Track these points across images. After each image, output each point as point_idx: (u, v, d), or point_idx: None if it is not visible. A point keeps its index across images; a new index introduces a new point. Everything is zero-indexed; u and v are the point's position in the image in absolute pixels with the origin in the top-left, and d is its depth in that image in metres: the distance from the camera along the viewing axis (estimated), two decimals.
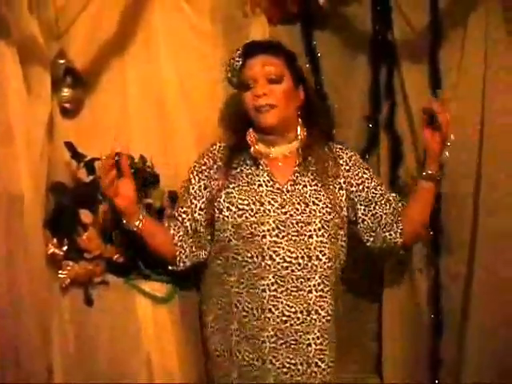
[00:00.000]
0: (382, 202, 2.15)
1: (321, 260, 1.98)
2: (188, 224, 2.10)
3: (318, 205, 2.01)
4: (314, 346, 1.98)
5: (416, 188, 2.18)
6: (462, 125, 2.48)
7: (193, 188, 2.11)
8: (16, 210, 2.09)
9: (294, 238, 1.97)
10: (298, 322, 1.97)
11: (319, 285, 1.98)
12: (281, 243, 1.96)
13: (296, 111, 2.09)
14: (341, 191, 2.09)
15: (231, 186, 2.04)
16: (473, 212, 2.48)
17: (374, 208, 2.13)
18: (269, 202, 1.99)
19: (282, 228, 1.97)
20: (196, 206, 2.10)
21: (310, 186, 2.04)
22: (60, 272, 2.22)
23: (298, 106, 2.09)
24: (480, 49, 2.47)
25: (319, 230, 1.99)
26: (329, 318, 2.00)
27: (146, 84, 2.42)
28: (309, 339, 1.98)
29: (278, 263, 1.96)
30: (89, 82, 2.36)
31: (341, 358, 2.60)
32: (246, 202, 2.00)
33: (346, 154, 2.16)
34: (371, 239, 2.16)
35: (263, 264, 1.96)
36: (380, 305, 2.65)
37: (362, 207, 2.13)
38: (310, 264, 1.97)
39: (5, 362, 2.05)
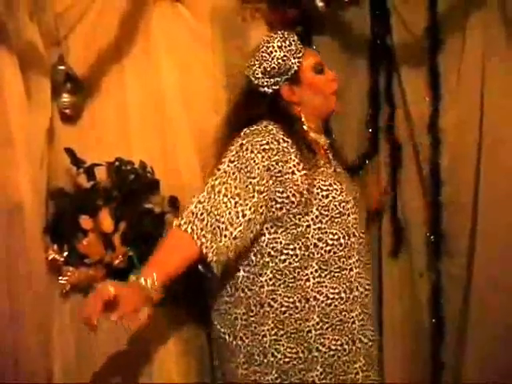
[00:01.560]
0: None
1: (363, 237, 2.03)
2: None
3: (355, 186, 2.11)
4: (357, 322, 1.97)
5: None
6: (461, 130, 2.49)
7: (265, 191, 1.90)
8: (16, 216, 2.09)
9: (357, 213, 2.01)
10: (341, 302, 1.95)
11: (357, 261, 1.98)
12: (356, 219, 2.00)
13: None
14: None
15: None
16: (472, 217, 2.49)
17: None
18: (339, 182, 1.99)
19: (356, 204, 2.01)
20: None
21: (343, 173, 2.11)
22: (60, 278, 2.22)
23: None
24: (479, 53, 2.48)
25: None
26: (367, 292, 2.01)
27: (145, 89, 2.42)
28: (352, 317, 1.96)
29: (357, 239, 1.98)
30: (89, 87, 2.37)
31: None
32: (326, 183, 1.96)
33: None
34: None
35: (349, 242, 1.96)
36: (380, 310, 2.65)
37: None
38: (349, 242, 1.97)
39: (5, 368, 2.05)
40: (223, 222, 1.80)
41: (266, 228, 1.92)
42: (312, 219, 1.92)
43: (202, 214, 1.81)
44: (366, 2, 2.56)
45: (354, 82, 2.64)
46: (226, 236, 1.80)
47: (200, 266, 1.84)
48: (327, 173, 1.98)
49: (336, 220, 1.94)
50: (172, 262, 1.79)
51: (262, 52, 2.04)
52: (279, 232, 1.93)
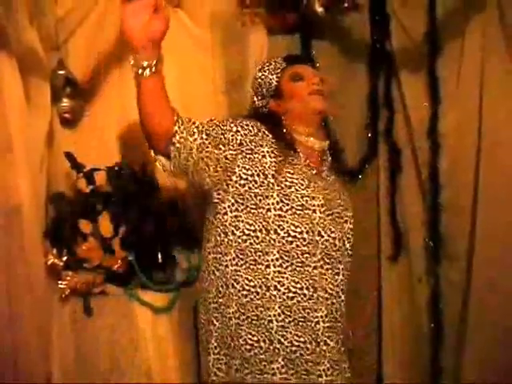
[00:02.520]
0: None
1: (347, 247, 2.02)
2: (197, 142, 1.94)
3: (346, 195, 2.10)
4: (322, 323, 1.95)
5: None
6: (460, 134, 2.50)
7: (226, 130, 1.96)
8: (15, 220, 2.09)
9: (336, 219, 2.00)
10: (304, 299, 1.94)
11: (344, 269, 1.99)
12: (325, 220, 1.97)
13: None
14: None
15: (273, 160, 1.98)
16: (471, 221, 2.49)
17: None
18: (315, 181, 2.01)
19: (328, 206, 1.99)
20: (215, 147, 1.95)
21: (335, 184, 2.10)
22: (60, 282, 2.21)
23: None
24: (478, 58, 2.49)
25: (351, 218, 2.05)
26: (334, 296, 1.98)
27: None
28: (317, 317, 1.95)
29: (325, 240, 1.97)
30: (88, 92, 2.37)
31: None
32: (294, 176, 1.98)
33: None
34: None
35: (314, 239, 1.95)
36: (380, 314, 2.65)
37: None
38: (342, 247, 2.00)
39: (4, 370, 2.04)
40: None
41: (229, 206, 1.96)
42: (272, 204, 1.94)
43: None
44: (365, 7, 2.57)
45: (353, 87, 2.64)
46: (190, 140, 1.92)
47: (157, 157, 1.95)
48: (303, 171, 2.01)
49: (298, 213, 1.95)
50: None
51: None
52: (240, 210, 1.95)
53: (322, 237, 1.96)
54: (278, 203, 1.94)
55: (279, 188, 1.95)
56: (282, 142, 2.02)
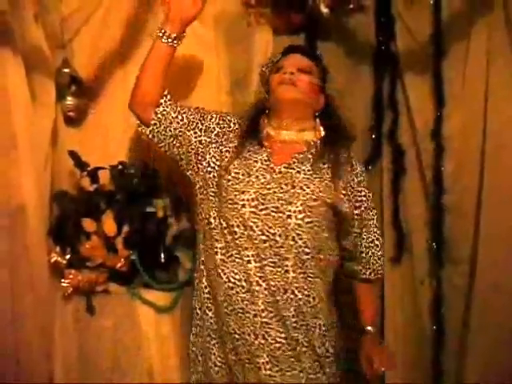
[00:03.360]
0: (370, 229, 2.15)
1: (297, 242, 1.98)
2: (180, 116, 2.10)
3: (304, 190, 2.00)
4: (259, 317, 1.97)
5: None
6: (464, 136, 2.49)
7: (206, 119, 2.12)
8: (19, 219, 2.10)
9: (272, 213, 1.97)
10: (242, 291, 1.99)
11: (295, 265, 1.97)
12: (259, 215, 1.97)
13: (313, 111, 2.12)
14: (343, 191, 2.07)
15: (230, 156, 2.08)
16: (475, 224, 2.49)
17: (362, 229, 2.14)
18: (256, 176, 2.02)
19: (262, 201, 1.98)
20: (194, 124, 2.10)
21: (305, 173, 2.03)
22: (63, 280, 2.22)
23: (316, 109, 2.12)
24: (483, 60, 2.48)
25: (299, 212, 1.97)
26: (306, 298, 1.99)
27: None
28: (255, 310, 1.97)
29: (258, 235, 1.97)
30: (93, 90, 2.37)
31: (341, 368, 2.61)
32: (235, 171, 2.03)
33: (360, 167, 2.16)
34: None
35: (246, 234, 1.98)
36: (382, 316, 2.65)
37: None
38: (286, 243, 1.97)
39: (7, 368, 2.05)
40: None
41: (198, 188, 2.10)
42: (218, 196, 2.03)
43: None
44: (370, 8, 2.57)
45: (358, 88, 2.63)
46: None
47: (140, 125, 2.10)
48: (252, 166, 2.03)
49: (229, 207, 1.99)
50: None
51: None
52: (204, 194, 2.08)
53: (255, 232, 1.97)
54: (214, 193, 2.04)
55: (222, 183, 2.02)
56: (250, 137, 2.08)
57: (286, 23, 2.57)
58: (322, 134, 2.10)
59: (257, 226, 1.97)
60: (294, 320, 1.97)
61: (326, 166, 2.05)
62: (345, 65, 2.62)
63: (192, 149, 2.08)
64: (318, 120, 2.12)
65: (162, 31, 2.03)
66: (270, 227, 1.96)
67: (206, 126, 2.10)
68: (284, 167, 2.03)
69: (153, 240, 2.30)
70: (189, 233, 2.36)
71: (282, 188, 1.99)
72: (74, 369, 2.24)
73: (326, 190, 2.01)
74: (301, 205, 1.97)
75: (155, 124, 2.07)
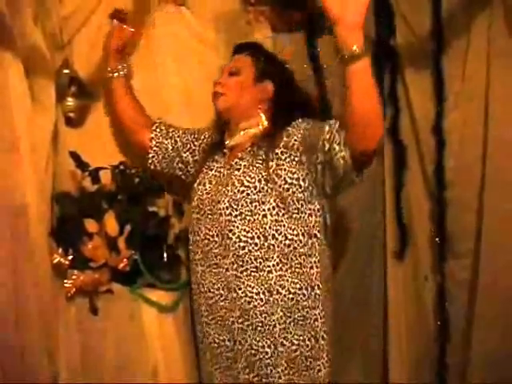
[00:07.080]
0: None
1: (231, 239, 1.98)
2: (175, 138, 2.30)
3: (233, 185, 2.01)
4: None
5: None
6: (466, 130, 2.49)
7: (199, 139, 2.30)
8: (21, 220, 2.09)
9: (209, 216, 2.05)
10: (221, 299, 2.01)
11: (234, 264, 1.99)
12: (200, 220, 2.07)
13: (256, 103, 2.13)
14: (296, 165, 2.00)
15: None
16: (477, 219, 2.48)
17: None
18: (204, 183, 2.12)
19: (201, 206, 2.09)
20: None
21: (242, 169, 2.04)
22: (65, 281, 2.22)
23: (260, 99, 2.13)
24: (483, 55, 2.47)
25: (227, 208, 2.00)
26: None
27: (149, 93, 2.42)
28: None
29: (202, 239, 2.06)
30: (93, 91, 2.37)
31: (346, 365, 2.61)
32: (197, 181, 2.16)
33: (299, 124, 2.08)
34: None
35: (193, 239, 2.10)
36: (386, 312, 2.65)
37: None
38: (223, 242, 2.00)
39: (11, 372, 2.05)
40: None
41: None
42: (192, 207, 2.14)
43: None
44: (370, 4, 2.55)
45: None
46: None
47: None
48: (210, 175, 2.13)
49: (209, 217, 2.04)
50: None
51: None
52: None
53: (199, 235, 2.06)
54: (194, 207, 2.13)
55: (193, 192, 2.17)
56: (217, 149, 2.20)
57: (286, 21, 2.56)
58: (265, 124, 2.11)
59: (200, 230, 2.06)
60: (282, 321, 1.97)
61: (263, 152, 2.05)
62: None
63: (191, 167, 2.28)
64: (260, 113, 2.12)
65: (108, 69, 2.27)
66: (209, 229, 2.04)
67: (197, 145, 2.28)
68: (227, 170, 2.09)
69: (155, 239, 2.30)
70: None
71: (217, 190, 2.05)
72: (77, 369, 2.23)
73: (257, 176, 2.00)
74: (227, 201, 2.00)
75: (153, 156, 2.29)
